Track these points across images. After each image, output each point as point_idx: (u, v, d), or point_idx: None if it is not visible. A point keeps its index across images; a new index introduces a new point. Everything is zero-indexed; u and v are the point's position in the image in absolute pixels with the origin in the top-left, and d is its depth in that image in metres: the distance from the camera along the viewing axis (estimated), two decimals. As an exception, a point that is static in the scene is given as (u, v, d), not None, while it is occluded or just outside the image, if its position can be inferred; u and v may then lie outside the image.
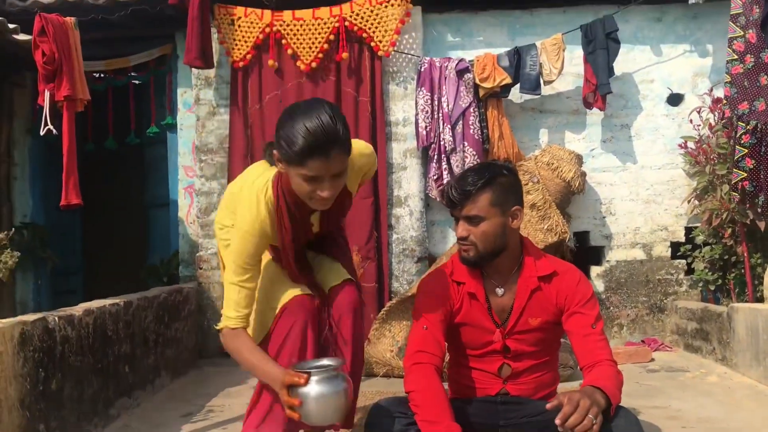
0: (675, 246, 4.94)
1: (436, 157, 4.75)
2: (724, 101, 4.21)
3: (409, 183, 4.85)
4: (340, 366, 1.96)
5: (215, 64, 4.82)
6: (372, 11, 4.70)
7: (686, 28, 4.98)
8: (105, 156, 6.02)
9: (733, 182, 4.16)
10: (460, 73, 4.72)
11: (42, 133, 3.64)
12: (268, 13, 4.76)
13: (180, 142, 5.28)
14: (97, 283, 6.17)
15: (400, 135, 4.88)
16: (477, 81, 4.71)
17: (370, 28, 4.71)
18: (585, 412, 1.75)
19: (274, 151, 2.00)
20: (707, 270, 4.69)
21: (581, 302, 2.14)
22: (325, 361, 2.01)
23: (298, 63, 4.74)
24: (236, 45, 4.77)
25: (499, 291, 2.21)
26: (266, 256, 2.31)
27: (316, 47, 4.71)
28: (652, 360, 4.34)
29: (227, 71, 4.85)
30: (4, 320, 2.37)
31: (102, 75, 5.46)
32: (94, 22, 4.69)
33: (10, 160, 5.50)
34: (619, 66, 4.79)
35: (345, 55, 4.69)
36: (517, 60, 4.71)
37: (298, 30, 4.72)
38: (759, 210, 4.13)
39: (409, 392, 2.05)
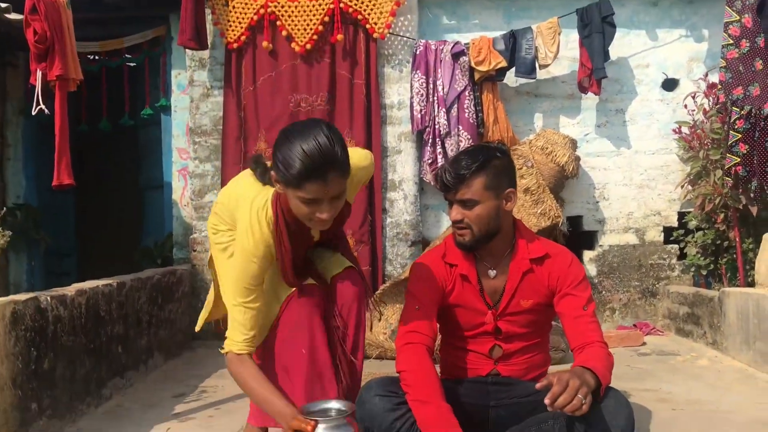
0: (668, 231, 4.96)
1: (430, 140, 4.73)
2: (719, 86, 4.22)
3: (403, 167, 4.84)
4: (348, 412, 1.91)
5: (209, 45, 4.79)
6: (367, -7, 4.68)
7: (682, 12, 4.98)
8: (99, 138, 6.00)
9: (726, 167, 4.17)
10: (456, 56, 4.70)
11: (34, 112, 3.61)
12: (262, -6, 4.73)
13: (174, 123, 5.24)
14: (91, 265, 6.16)
15: (394, 118, 4.86)
16: (472, 64, 4.69)
17: (365, 10, 4.68)
18: (574, 392, 1.75)
19: (272, 173, 1.96)
20: (699, 255, 4.71)
21: (573, 284, 2.15)
22: (333, 404, 1.96)
23: (293, 45, 4.71)
24: (230, 26, 4.74)
25: (492, 273, 2.22)
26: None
27: (311, 29, 4.68)
28: (644, 344, 4.37)
29: (221, 53, 4.82)
30: (-5, 299, 2.37)
31: (96, 56, 5.42)
32: (87, 2, 4.63)
33: (3, 141, 5.47)
34: (615, 50, 4.79)
35: (340, 37, 4.67)
36: (512, 43, 4.70)
37: (292, 11, 4.69)
38: (751, 195, 4.15)
39: (401, 372, 2.06)
